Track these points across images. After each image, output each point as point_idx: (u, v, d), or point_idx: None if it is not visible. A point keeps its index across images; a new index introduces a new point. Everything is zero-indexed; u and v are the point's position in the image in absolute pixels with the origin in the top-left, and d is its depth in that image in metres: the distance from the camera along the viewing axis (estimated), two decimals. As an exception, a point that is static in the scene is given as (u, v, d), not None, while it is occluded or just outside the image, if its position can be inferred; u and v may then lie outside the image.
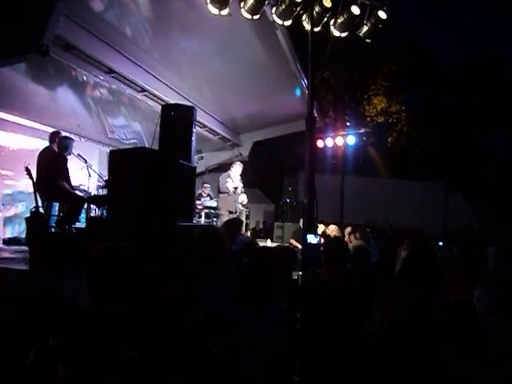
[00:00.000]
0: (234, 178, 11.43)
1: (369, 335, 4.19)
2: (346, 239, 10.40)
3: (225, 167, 12.82)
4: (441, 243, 15.66)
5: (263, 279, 3.53)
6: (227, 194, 11.18)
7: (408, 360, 3.35)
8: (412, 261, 4.14)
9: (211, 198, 11.97)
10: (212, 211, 11.42)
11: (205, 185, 12.29)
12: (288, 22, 7.87)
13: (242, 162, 12.28)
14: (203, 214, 11.23)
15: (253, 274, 3.57)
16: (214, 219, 11.29)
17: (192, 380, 2.50)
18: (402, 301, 3.60)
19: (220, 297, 3.47)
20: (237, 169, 11.48)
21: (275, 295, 3.71)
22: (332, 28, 7.91)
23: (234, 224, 6.96)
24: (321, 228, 11.48)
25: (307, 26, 7.41)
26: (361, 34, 8.18)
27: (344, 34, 8.03)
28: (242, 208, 12.38)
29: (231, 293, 3.52)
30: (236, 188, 11.45)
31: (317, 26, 7.52)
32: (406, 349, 3.38)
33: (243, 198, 11.71)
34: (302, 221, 11.36)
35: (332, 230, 10.83)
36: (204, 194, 12.04)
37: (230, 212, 11.01)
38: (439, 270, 4.35)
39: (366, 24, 8.04)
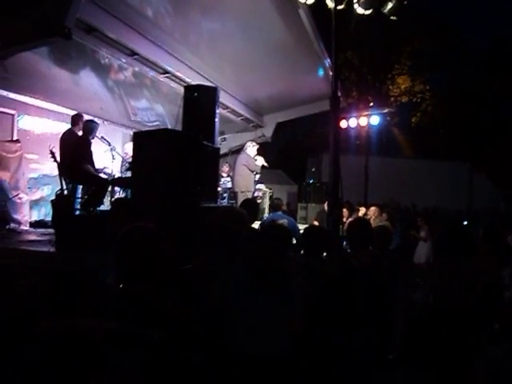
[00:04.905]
0: (257, 157, 11.15)
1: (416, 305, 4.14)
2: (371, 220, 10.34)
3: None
4: (465, 223, 15.51)
5: (272, 262, 3.43)
6: (251, 173, 10.85)
7: (458, 328, 3.30)
8: (450, 236, 4.03)
9: (232, 179, 11.76)
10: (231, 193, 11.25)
11: (224, 164, 12.04)
12: (311, 0, 7.76)
13: (259, 143, 11.96)
14: (226, 195, 11.16)
15: (261, 259, 3.46)
16: (232, 201, 11.08)
17: None
18: (445, 275, 3.52)
19: (232, 282, 3.41)
20: (253, 149, 11.13)
21: (290, 273, 3.64)
22: (356, 5, 7.76)
23: (254, 204, 6.91)
24: (362, 210, 11.42)
25: (330, 4, 7.29)
26: (385, 11, 8.00)
27: (368, 12, 7.87)
28: (266, 189, 12.30)
29: (247, 280, 3.44)
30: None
31: (340, 4, 7.39)
32: (456, 318, 3.32)
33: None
34: (327, 202, 11.29)
35: (373, 211, 10.76)
36: (224, 175, 11.86)
37: (242, 192, 10.65)
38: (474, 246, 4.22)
39: (391, 0, 7.86)
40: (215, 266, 3.56)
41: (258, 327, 3.26)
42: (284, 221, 8.61)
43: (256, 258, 3.45)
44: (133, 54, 8.36)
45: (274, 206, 9.36)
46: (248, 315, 3.28)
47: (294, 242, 7.53)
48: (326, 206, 11.22)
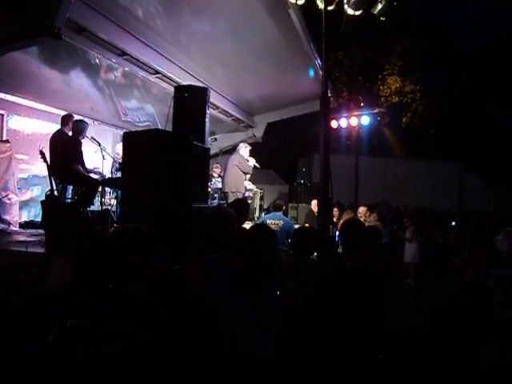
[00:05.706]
0: (249, 158, 11.20)
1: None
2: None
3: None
4: (453, 223, 15.62)
5: (253, 262, 3.41)
6: (242, 173, 10.87)
7: (447, 328, 3.31)
8: (430, 253, 4.09)
9: (222, 179, 11.75)
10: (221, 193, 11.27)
11: (214, 165, 12.06)
12: (301, 1, 7.76)
13: (250, 143, 12.00)
14: (217, 196, 11.17)
15: (242, 258, 3.45)
16: (222, 201, 11.06)
17: None
18: (427, 288, 3.55)
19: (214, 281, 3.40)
20: (246, 150, 11.19)
21: (275, 273, 3.64)
22: (346, 6, 7.77)
23: (244, 204, 6.90)
24: (349, 214, 11.39)
25: (321, 5, 7.30)
26: (375, 12, 8.01)
27: (358, 13, 7.87)
28: (256, 189, 12.31)
29: (230, 279, 3.41)
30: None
31: (330, 5, 7.40)
32: (446, 318, 3.33)
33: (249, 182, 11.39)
34: (313, 203, 11.26)
35: (363, 211, 10.71)
36: (215, 175, 11.89)
37: (233, 192, 10.68)
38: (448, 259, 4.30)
39: (381, 1, 7.88)
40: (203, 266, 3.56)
41: (238, 326, 3.25)
42: (280, 221, 8.66)
43: (237, 256, 3.45)
44: (123, 54, 8.33)
45: (276, 206, 9.51)
46: (227, 314, 3.27)
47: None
48: (313, 207, 11.26)
